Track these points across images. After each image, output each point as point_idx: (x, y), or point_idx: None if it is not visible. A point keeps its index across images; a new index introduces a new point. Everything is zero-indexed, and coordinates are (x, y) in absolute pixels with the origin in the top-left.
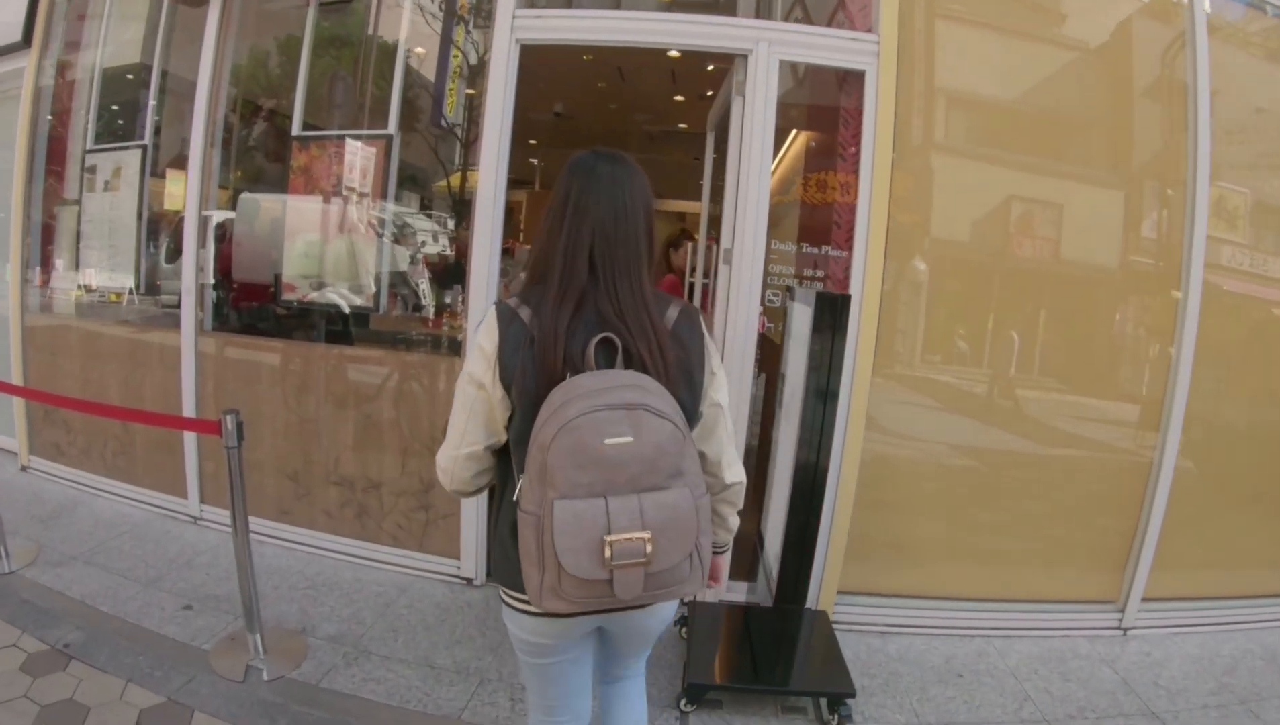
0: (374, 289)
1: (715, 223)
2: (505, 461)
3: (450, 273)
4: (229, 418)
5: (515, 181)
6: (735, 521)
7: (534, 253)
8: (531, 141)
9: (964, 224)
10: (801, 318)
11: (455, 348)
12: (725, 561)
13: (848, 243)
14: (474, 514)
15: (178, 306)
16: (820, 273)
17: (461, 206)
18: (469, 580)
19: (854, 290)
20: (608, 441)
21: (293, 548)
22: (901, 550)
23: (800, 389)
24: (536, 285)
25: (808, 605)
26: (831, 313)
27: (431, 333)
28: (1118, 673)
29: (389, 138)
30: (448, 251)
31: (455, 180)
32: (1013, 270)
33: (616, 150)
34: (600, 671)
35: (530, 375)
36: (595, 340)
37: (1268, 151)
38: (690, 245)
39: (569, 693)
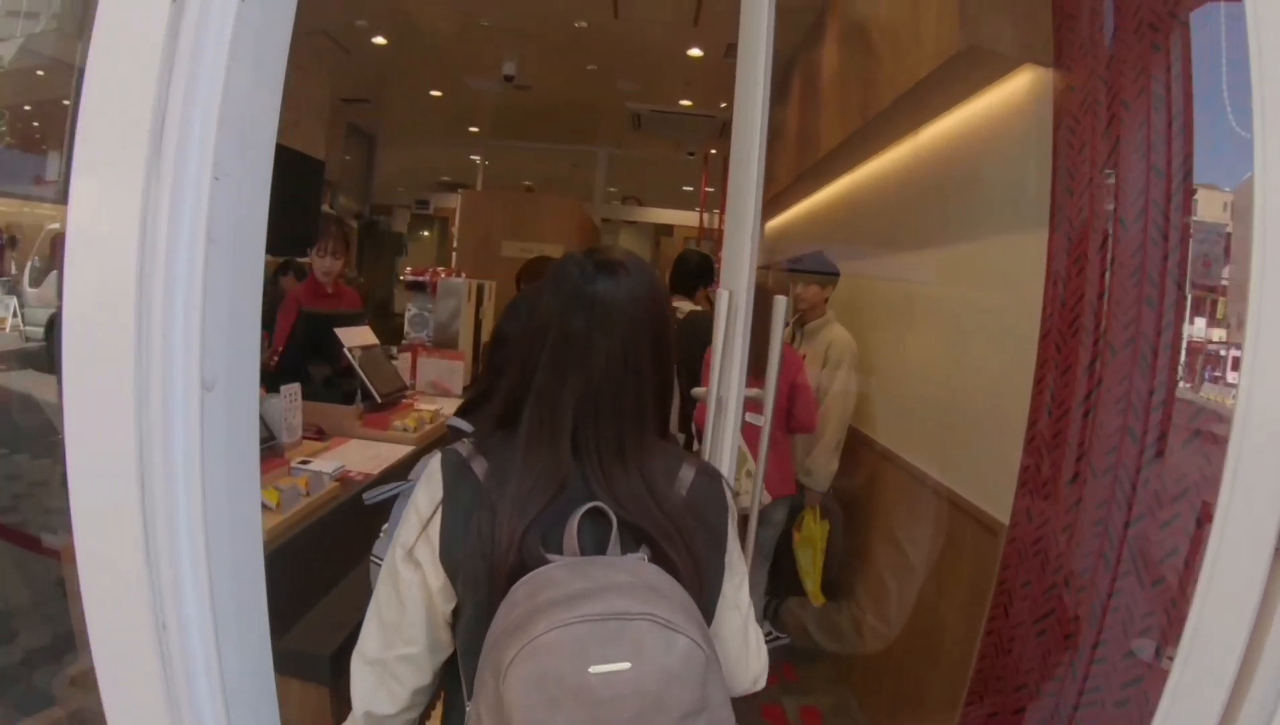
0: None
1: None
2: (454, 677)
3: None
4: None
5: (448, 185)
6: None
7: (504, 390)
8: (472, 129)
9: None
10: None
11: None
12: None
13: None
14: None
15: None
16: None
17: None
18: None
19: None
20: (594, 670)
21: None
22: None
23: None
24: (503, 431)
25: None
26: None
27: None
28: None
29: None
30: None
31: None
32: None
33: (615, 248)
34: None
35: (478, 557)
36: (579, 514)
37: None
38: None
39: None
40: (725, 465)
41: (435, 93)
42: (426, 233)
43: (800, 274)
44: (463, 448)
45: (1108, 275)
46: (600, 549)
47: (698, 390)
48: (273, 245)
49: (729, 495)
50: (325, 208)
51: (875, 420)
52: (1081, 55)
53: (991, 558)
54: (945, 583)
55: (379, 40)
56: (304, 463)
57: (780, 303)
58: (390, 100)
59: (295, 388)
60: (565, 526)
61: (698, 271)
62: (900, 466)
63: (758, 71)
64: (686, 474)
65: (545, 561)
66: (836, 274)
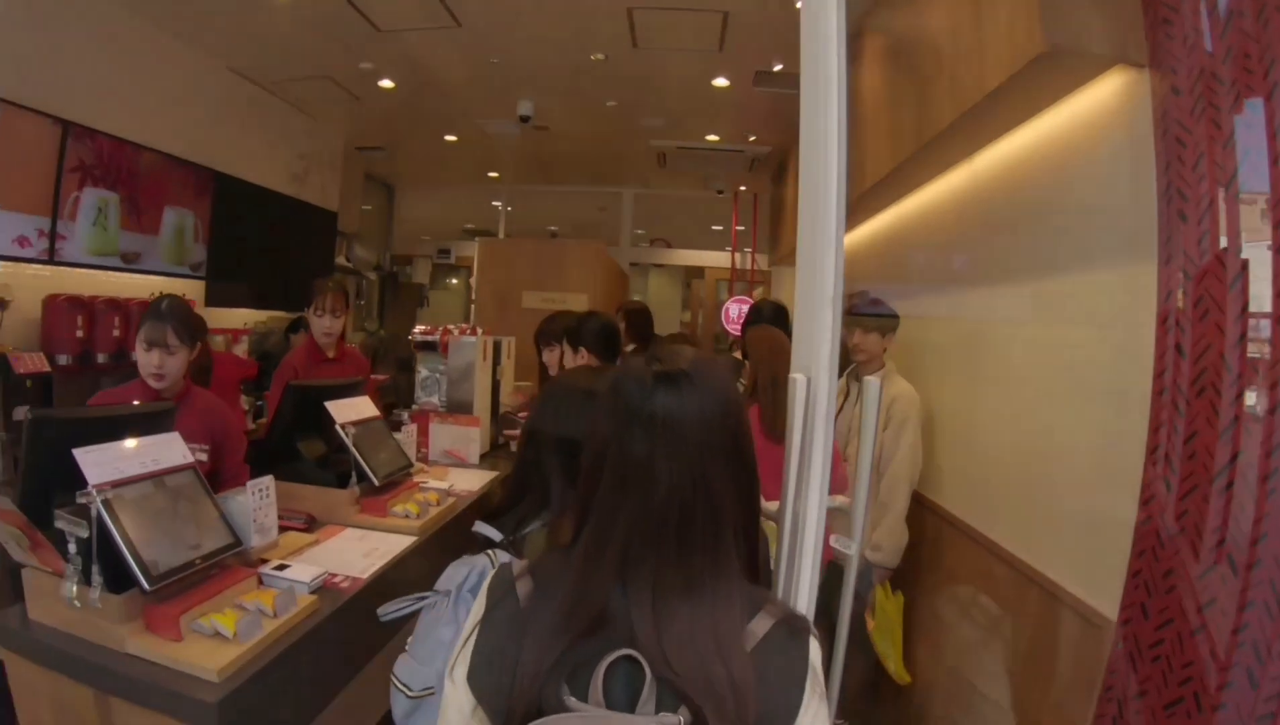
0: None
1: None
2: None
3: None
4: None
5: (472, 232)
6: None
7: (572, 510)
8: (492, 174)
9: None
10: None
11: None
12: None
13: None
14: None
15: None
16: None
17: None
18: None
19: None
20: None
21: None
22: None
23: None
24: (560, 552)
25: None
26: None
27: None
28: None
29: None
30: None
31: None
32: None
33: (680, 352)
34: None
35: (498, 689)
36: (607, 662)
37: None
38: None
39: None
40: (804, 599)
41: (450, 137)
42: (455, 281)
43: (854, 320)
44: (516, 565)
45: (1249, 319)
46: (631, 703)
47: (768, 505)
48: (283, 302)
49: (814, 655)
50: (341, 260)
51: (941, 484)
52: (1186, 50)
53: (1095, 659)
54: (1035, 685)
55: (386, 83)
56: (279, 568)
57: (872, 387)
58: (405, 147)
59: (266, 482)
60: (593, 677)
61: (772, 323)
62: (975, 539)
63: (830, 99)
64: (760, 625)
65: (563, 708)
66: (896, 318)
